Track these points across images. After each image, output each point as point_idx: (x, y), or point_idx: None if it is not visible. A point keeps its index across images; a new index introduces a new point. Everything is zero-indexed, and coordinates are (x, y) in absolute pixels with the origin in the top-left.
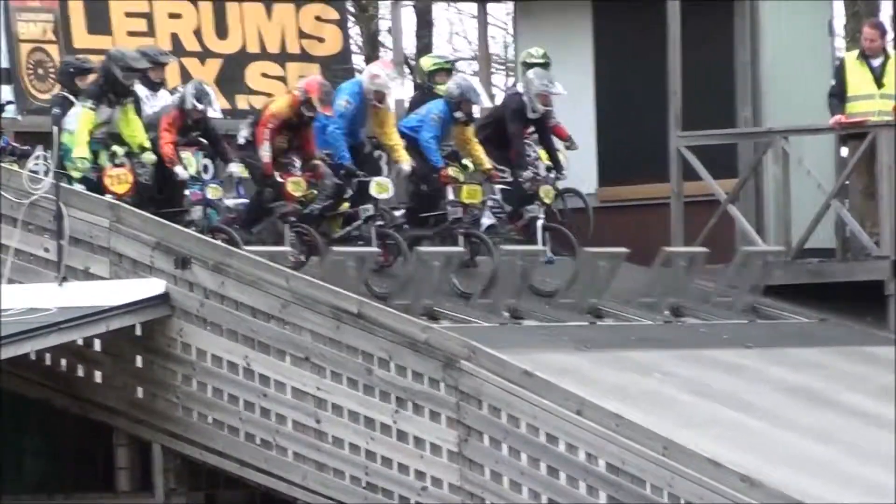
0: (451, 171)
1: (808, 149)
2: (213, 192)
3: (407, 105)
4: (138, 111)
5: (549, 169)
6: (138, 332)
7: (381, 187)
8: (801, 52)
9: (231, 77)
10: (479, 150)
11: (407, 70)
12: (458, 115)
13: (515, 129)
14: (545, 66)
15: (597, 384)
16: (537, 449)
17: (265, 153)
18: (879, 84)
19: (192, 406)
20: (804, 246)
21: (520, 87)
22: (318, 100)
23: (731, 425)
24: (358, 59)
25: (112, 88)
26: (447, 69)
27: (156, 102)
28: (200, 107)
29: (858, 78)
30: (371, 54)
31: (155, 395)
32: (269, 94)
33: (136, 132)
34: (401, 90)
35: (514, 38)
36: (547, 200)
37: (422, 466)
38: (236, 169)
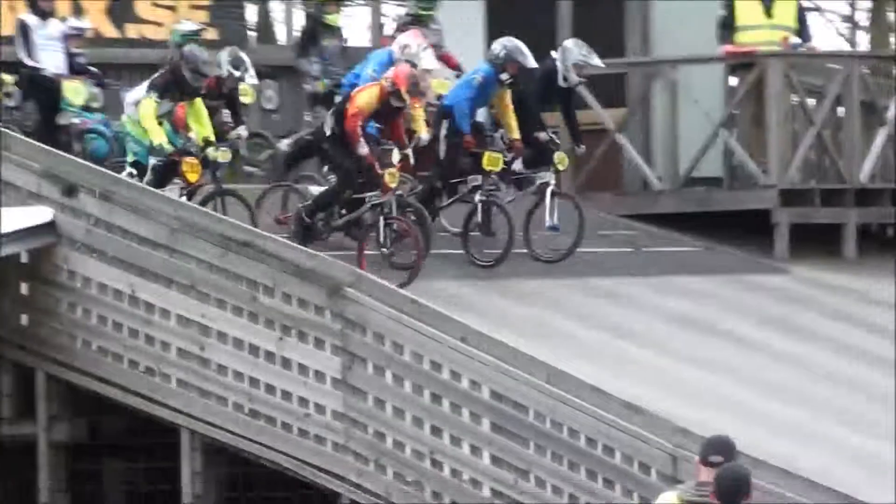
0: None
1: (696, 79)
2: (222, 155)
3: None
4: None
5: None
6: (24, 259)
7: (493, 160)
8: None
9: (122, 6)
10: (513, 119)
11: (298, 1)
12: (504, 76)
13: (538, 94)
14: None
15: (484, 313)
16: (421, 376)
17: (363, 149)
18: (769, 14)
19: (76, 333)
20: (691, 175)
21: (554, 54)
22: (406, 91)
23: (616, 353)
24: None
25: (179, 87)
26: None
27: (46, 31)
28: (237, 74)
29: (748, 8)
30: None
31: (40, 323)
32: (158, 24)
33: (203, 126)
34: (431, 60)
35: None
36: (561, 168)
37: (305, 393)
38: (244, 132)
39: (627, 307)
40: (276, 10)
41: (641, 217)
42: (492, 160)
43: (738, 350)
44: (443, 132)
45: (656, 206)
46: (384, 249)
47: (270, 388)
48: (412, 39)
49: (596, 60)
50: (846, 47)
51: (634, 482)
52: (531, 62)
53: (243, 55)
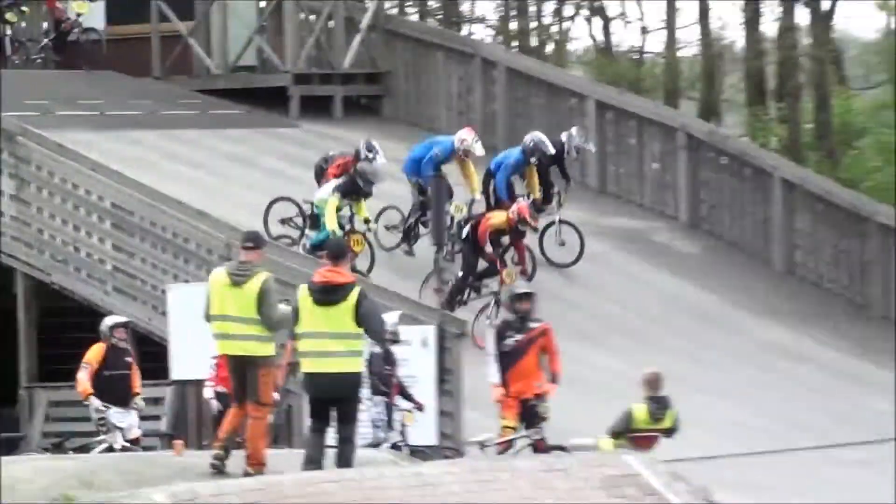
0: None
1: (240, 4)
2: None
3: None
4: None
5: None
6: None
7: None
8: None
9: None
10: (537, 184)
11: None
12: (533, 159)
13: (548, 163)
14: None
15: (110, 153)
16: (67, 193)
17: (489, 250)
18: None
19: None
20: (238, 63)
21: (563, 137)
22: (530, 216)
23: (197, 181)
24: None
25: (355, 189)
26: None
27: None
28: (370, 156)
29: None
30: None
31: None
32: None
33: (363, 212)
34: (480, 149)
35: None
36: (562, 206)
37: None
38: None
39: (197, 149)
40: None
41: (206, 92)
42: (532, 216)
43: (266, 175)
44: (490, 188)
45: (215, 85)
46: (490, 321)
47: None
48: (467, 134)
49: (591, 146)
50: None
51: (203, 260)
52: (551, 149)
53: (375, 143)
